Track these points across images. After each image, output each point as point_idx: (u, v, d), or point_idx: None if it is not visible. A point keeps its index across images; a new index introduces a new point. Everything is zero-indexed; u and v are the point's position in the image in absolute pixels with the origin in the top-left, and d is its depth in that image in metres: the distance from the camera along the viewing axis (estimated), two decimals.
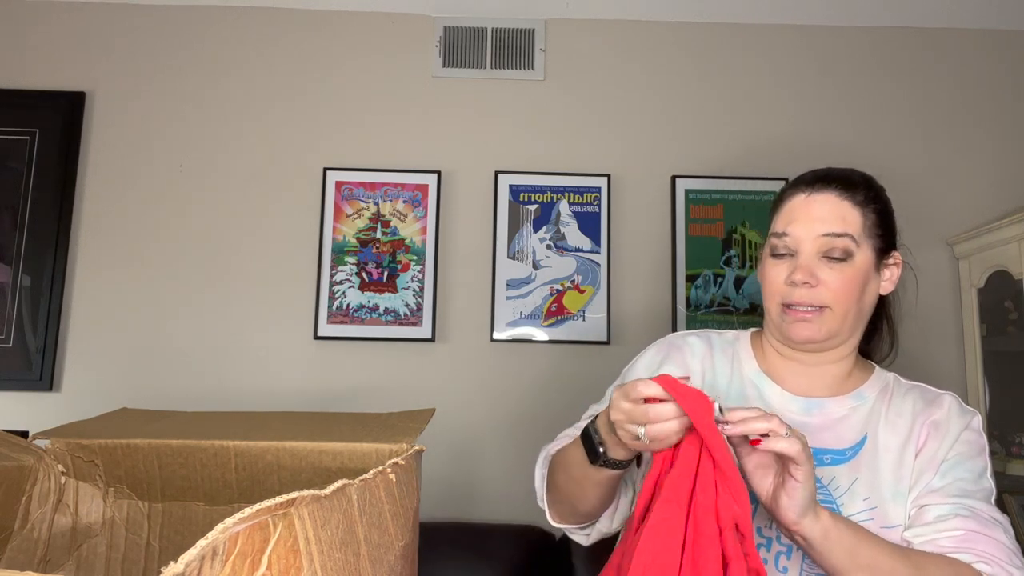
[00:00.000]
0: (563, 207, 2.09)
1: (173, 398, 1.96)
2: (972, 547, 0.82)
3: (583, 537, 1.04)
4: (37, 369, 1.98)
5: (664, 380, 0.75)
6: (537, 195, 2.10)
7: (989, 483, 0.90)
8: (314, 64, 2.17)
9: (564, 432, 1.05)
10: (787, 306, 0.94)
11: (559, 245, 2.07)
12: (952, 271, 2.09)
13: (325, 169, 2.08)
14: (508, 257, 2.06)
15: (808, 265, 0.92)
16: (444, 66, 2.16)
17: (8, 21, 2.14)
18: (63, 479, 0.86)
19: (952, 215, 2.10)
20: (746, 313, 2.04)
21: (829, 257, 0.92)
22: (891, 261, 0.98)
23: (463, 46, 2.17)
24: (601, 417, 0.84)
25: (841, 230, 0.92)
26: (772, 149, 2.14)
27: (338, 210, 2.07)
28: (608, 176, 2.10)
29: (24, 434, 0.91)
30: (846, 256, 0.92)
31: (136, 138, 2.11)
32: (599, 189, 2.09)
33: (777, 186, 2.08)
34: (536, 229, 2.08)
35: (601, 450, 0.84)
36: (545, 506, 1.01)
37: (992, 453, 0.84)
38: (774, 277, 0.96)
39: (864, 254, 0.93)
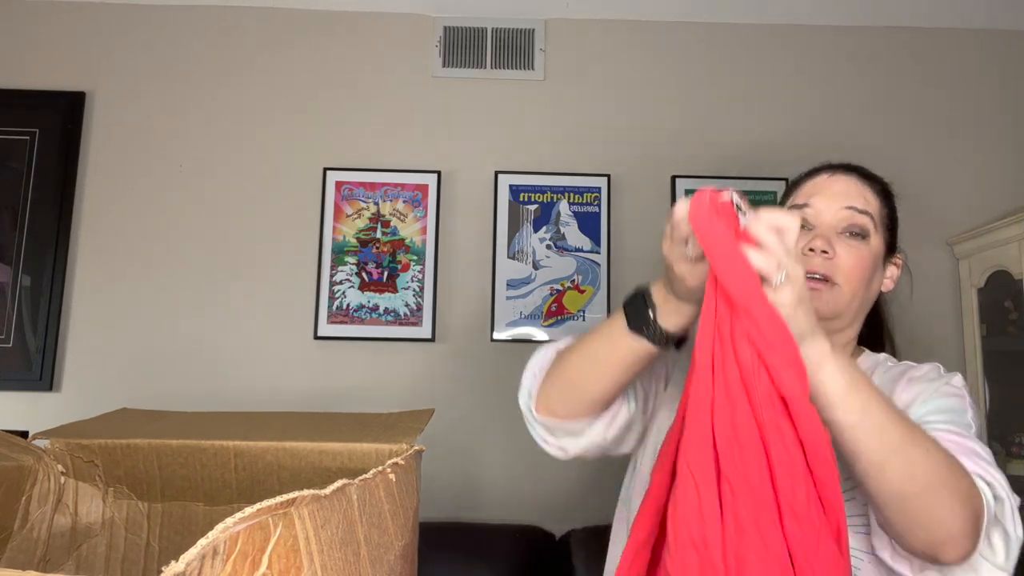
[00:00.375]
0: (563, 207, 2.09)
1: (173, 398, 1.96)
2: None
3: (559, 451, 0.95)
4: (37, 369, 1.98)
5: (694, 198, 0.68)
6: (537, 195, 2.10)
7: (968, 420, 0.84)
8: (314, 64, 2.16)
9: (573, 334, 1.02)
10: None
11: (559, 245, 2.07)
12: (952, 271, 2.09)
13: (325, 169, 2.08)
14: (508, 257, 2.06)
15: (827, 236, 0.93)
16: (444, 66, 2.16)
17: (8, 21, 2.14)
18: (63, 479, 0.86)
19: (952, 215, 2.10)
20: None
21: (848, 233, 0.94)
22: (894, 260, 1.00)
23: (463, 46, 2.17)
24: (655, 283, 0.81)
25: (863, 207, 0.95)
26: (772, 149, 2.13)
27: (338, 210, 2.07)
28: (608, 176, 2.10)
29: (24, 434, 0.91)
30: (864, 234, 0.94)
31: (136, 138, 2.11)
32: (599, 189, 2.09)
33: (777, 186, 2.08)
34: (536, 229, 2.08)
35: (652, 316, 0.81)
36: (532, 400, 0.94)
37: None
38: None
39: (877, 240, 0.95)
